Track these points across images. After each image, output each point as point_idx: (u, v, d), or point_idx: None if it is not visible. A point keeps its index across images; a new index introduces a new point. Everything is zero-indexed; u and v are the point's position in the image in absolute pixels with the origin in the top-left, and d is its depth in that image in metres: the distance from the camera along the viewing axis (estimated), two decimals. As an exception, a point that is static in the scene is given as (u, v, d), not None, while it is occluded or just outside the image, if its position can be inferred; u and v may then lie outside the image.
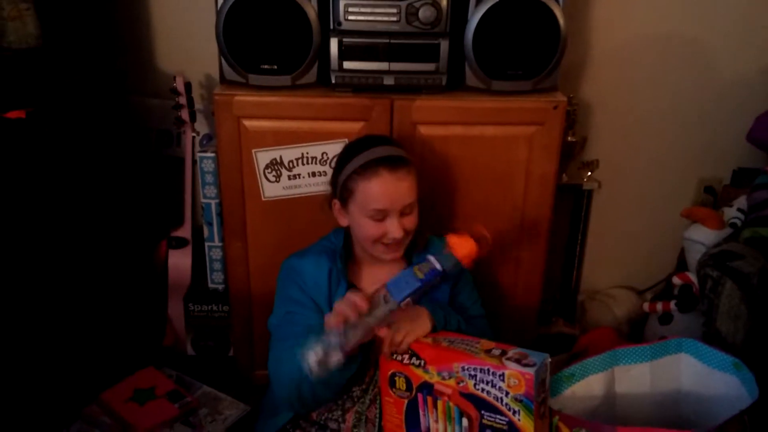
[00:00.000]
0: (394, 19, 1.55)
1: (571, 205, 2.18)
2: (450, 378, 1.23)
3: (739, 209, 1.95)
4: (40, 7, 1.60)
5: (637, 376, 1.43)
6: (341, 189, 1.39)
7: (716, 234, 1.91)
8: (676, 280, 2.01)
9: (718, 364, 1.35)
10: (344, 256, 1.45)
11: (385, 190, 1.34)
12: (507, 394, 1.17)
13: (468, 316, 1.50)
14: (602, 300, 2.27)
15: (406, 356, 1.28)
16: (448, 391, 1.24)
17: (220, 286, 1.98)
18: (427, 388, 1.27)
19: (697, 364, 1.38)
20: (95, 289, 1.82)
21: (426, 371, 1.26)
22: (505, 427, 1.19)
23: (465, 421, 1.24)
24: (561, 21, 1.57)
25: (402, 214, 1.37)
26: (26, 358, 1.61)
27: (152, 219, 2.07)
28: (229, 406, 1.76)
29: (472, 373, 1.20)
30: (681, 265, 2.13)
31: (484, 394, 1.20)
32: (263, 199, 1.68)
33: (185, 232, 1.99)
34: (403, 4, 1.54)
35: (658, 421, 1.43)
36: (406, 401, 1.30)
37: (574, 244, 2.22)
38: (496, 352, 1.22)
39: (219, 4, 1.56)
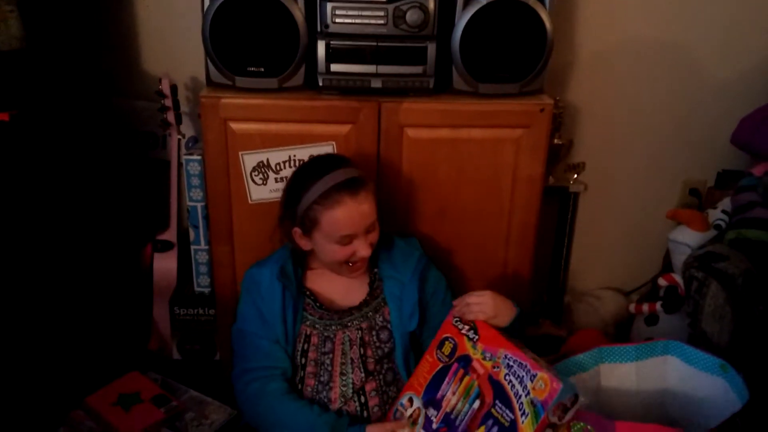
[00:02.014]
0: (382, 21, 1.55)
1: (558, 207, 2.19)
2: (490, 360, 1.29)
3: (723, 211, 1.96)
4: (23, 9, 1.58)
5: (623, 376, 1.44)
6: (302, 219, 1.41)
7: (701, 236, 1.93)
8: (661, 282, 2.02)
9: (705, 366, 1.36)
10: (297, 265, 1.49)
11: (350, 217, 1.37)
12: (528, 393, 1.21)
13: None
14: (589, 301, 2.28)
15: (466, 327, 1.36)
16: (481, 371, 1.30)
17: (206, 290, 1.96)
18: (465, 361, 1.32)
19: (684, 366, 1.40)
20: (80, 293, 1.80)
21: (474, 346, 1.32)
22: (506, 424, 1.23)
23: (476, 404, 1.28)
24: (547, 24, 1.58)
25: (367, 232, 1.41)
26: (10, 363, 1.59)
27: (137, 222, 2.05)
28: (216, 410, 1.74)
29: (510, 363, 1.26)
30: (667, 267, 2.14)
31: (509, 386, 1.24)
32: (250, 202, 1.67)
33: (171, 235, 1.97)
34: (391, 7, 1.54)
35: (644, 421, 1.43)
36: (440, 365, 1.36)
37: (560, 245, 2.23)
38: (541, 360, 1.26)
39: (205, 6, 1.54)
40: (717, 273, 1.67)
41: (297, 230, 1.44)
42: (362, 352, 1.47)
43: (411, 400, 1.38)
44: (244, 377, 1.48)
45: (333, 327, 1.48)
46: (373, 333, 1.48)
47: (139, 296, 2.01)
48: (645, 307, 2.06)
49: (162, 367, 1.89)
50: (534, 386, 1.20)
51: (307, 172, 1.43)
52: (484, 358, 1.30)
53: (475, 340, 1.32)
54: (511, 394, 1.23)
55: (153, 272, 1.98)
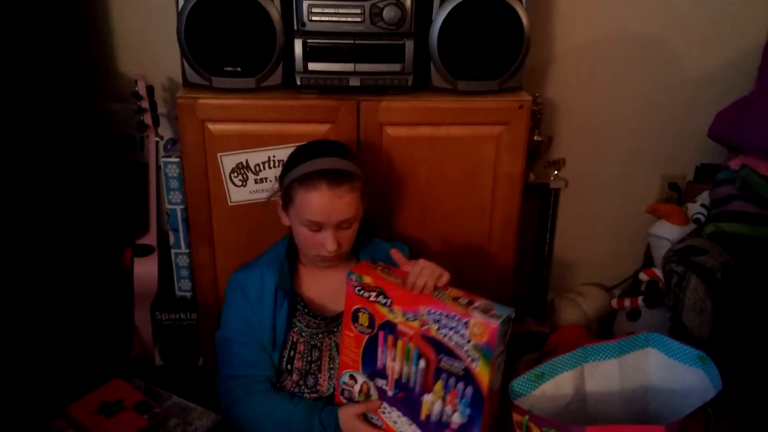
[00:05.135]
0: (359, 19, 1.54)
1: (539, 203, 2.20)
2: (414, 320, 1.26)
3: (702, 205, 1.98)
4: (-5, 11, 1.56)
5: (606, 373, 1.44)
6: (284, 192, 1.41)
7: (680, 230, 1.95)
8: (642, 276, 2.03)
9: (684, 357, 1.36)
10: (290, 267, 1.46)
11: (321, 205, 1.34)
12: (468, 341, 1.20)
13: None
14: (571, 298, 2.29)
15: (373, 293, 1.30)
16: (410, 332, 1.26)
17: (188, 294, 1.94)
18: (389, 327, 1.29)
19: (664, 358, 1.40)
20: (59, 299, 1.78)
21: (391, 311, 1.28)
22: (461, 373, 1.22)
23: (422, 363, 1.26)
24: (525, 20, 1.58)
25: (338, 228, 1.37)
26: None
27: (116, 227, 2.03)
28: (200, 416, 1.72)
29: (437, 317, 1.23)
30: (648, 262, 2.15)
31: (446, 339, 1.22)
32: (230, 203, 1.66)
33: (151, 239, 1.95)
34: (367, 5, 1.53)
35: (627, 416, 1.44)
36: (366, 337, 1.33)
37: (542, 242, 2.24)
38: (464, 301, 1.25)
39: (180, 6, 1.53)
40: (696, 267, 1.69)
41: (279, 201, 1.43)
42: None
43: (353, 377, 1.36)
44: (228, 383, 1.46)
45: (319, 335, 1.46)
46: None
47: (120, 302, 1.99)
48: (627, 303, 2.07)
49: (144, 374, 1.87)
50: (472, 332, 1.19)
51: (303, 151, 1.42)
52: (408, 320, 1.26)
53: (388, 304, 1.28)
54: (453, 346, 1.21)
55: (133, 277, 1.96)
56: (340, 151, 1.42)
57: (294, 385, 1.46)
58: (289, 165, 1.41)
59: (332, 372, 1.45)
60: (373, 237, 1.55)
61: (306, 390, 1.46)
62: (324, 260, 1.42)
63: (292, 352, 1.45)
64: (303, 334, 1.46)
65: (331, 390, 1.45)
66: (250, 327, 1.44)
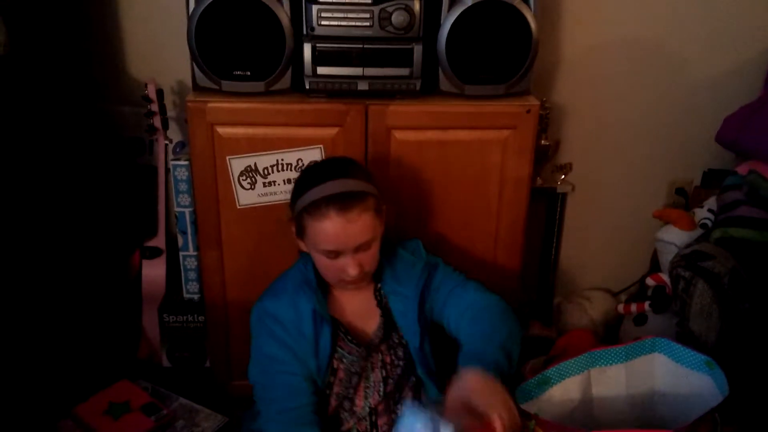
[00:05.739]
0: (368, 24, 1.55)
1: (546, 208, 2.20)
2: None
3: (709, 210, 1.98)
4: (7, 14, 1.57)
5: (612, 378, 1.44)
6: (296, 221, 1.35)
7: (688, 235, 1.94)
8: (649, 281, 2.03)
9: (691, 362, 1.36)
10: (322, 292, 1.40)
11: (334, 233, 1.28)
12: None
13: (465, 307, 1.41)
14: (578, 302, 2.29)
15: None
16: None
17: (196, 296, 1.95)
18: None
19: (671, 364, 1.40)
20: (68, 301, 1.79)
21: None
22: None
23: None
24: (532, 25, 1.59)
25: (358, 251, 1.31)
26: (-4, 373, 1.58)
27: (125, 229, 2.04)
28: (206, 418, 1.74)
29: None
30: (654, 267, 2.15)
31: None
32: (238, 206, 1.67)
33: (159, 241, 1.96)
34: (376, 9, 1.54)
35: (634, 421, 1.44)
36: None
37: (549, 246, 2.24)
38: None
39: (190, 10, 1.54)
40: (703, 272, 1.68)
41: (293, 230, 1.38)
42: (384, 374, 1.43)
43: None
44: (280, 417, 1.36)
45: (360, 361, 1.41)
46: (391, 351, 1.44)
47: (128, 304, 2.00)
48: (633, 308, 2.07)
49: (152, 375, 1.88)
50: None
51: (308, 176, 1.36)
52: None
53: None
54: None
55: (142, 279, 1.97)
56: (347, 170, 1.35)
57: (333, 410, 1.42)
58: (296, 193, 1.35)
59: (367, 391, 1.42)
60: (396, 248, 1.48)
61: (345, 412, 1.43)
62: (348, 284, 1.37)
63: (332, 378, 1.41)
64: (344, 360, 1.41)
65: (367, 409, 1.42)
66: (294, 355, 1.36)
